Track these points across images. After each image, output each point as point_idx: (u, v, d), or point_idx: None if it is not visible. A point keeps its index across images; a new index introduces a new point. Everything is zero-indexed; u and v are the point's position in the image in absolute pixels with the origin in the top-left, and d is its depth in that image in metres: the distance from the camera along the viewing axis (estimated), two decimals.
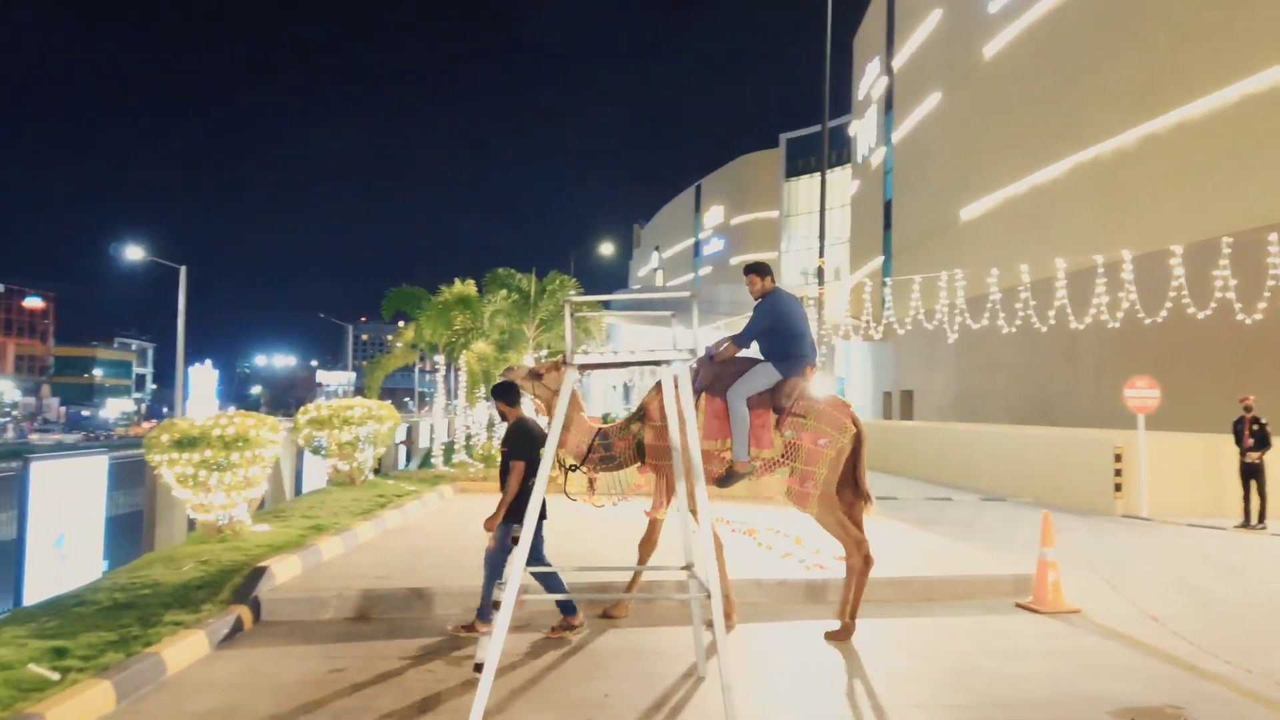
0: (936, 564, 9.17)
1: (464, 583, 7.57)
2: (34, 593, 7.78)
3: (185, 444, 9.00)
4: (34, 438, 76.96)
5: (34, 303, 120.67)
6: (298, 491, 15.04)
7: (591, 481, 6.90)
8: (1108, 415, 19.65)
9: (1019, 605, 7.95)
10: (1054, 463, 16.93)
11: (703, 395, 6.57)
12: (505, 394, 6.70)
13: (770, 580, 8.09)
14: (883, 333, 19.81)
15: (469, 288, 18.81)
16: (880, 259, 42.41)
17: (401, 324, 26.21)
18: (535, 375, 6.50)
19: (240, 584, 7.26)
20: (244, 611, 6.82)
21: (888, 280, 18.84)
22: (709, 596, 5.00)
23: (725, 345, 6.67)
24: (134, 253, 29.41)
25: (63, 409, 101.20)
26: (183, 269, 28.97)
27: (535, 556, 6.34)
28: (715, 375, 6.56)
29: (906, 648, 6.67)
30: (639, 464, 6.83)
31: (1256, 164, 18.43)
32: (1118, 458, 14.61)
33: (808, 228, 65.93)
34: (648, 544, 6.95)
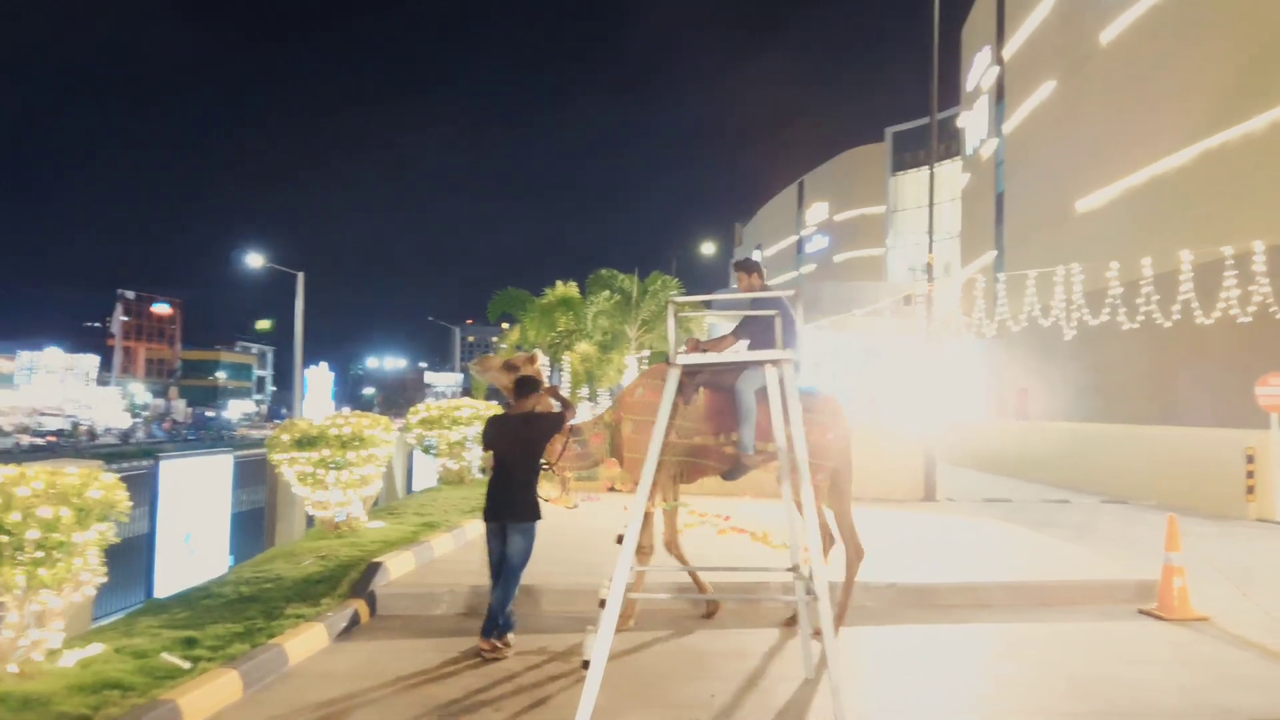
0: (1053, 568, 8.88)
1: (572, 579, 7.66)
2: (164, 586, 8.13)
3: (304, 443, 9.35)
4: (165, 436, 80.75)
5: (162, 309, 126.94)
6: (409, 490, 15.46)
7: (565, 481, 6.93)
8: (1238, 414, 18.67)
9: (1142, 612, 7.63)
10: (1180, 464, 16.17)
11: (702, 390, 6.51)
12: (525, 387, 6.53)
13: (879, 583, 7.95)
14: (996, 330, 19.22)
15: (571, 289, 19.03)
16: (992, 253, 41.25)
17: (506, 325, 26.67)
18: (510, 368, 6.71)
19: (357, 579, 7.50)
20: (360, 605, 7.05)
21: (1000, 276, 18.27)
22: (816, 599, 4.94)
23: (724, 339, 6.56)
24: (254, 260, 30.67)
25: (190, 410, 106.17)
26: (300, 275, 30.06)
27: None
28: (716, 370, 6.38)
29: (1021, 653, 6.47)
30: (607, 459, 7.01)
31: None
32: (1250, 459, 13.88)
33: (915, 223, 64.61)
34: (644, 542, 6.69)
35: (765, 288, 6.74)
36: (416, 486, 15.73)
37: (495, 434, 6.36)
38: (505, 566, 6.21)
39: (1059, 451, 20.96)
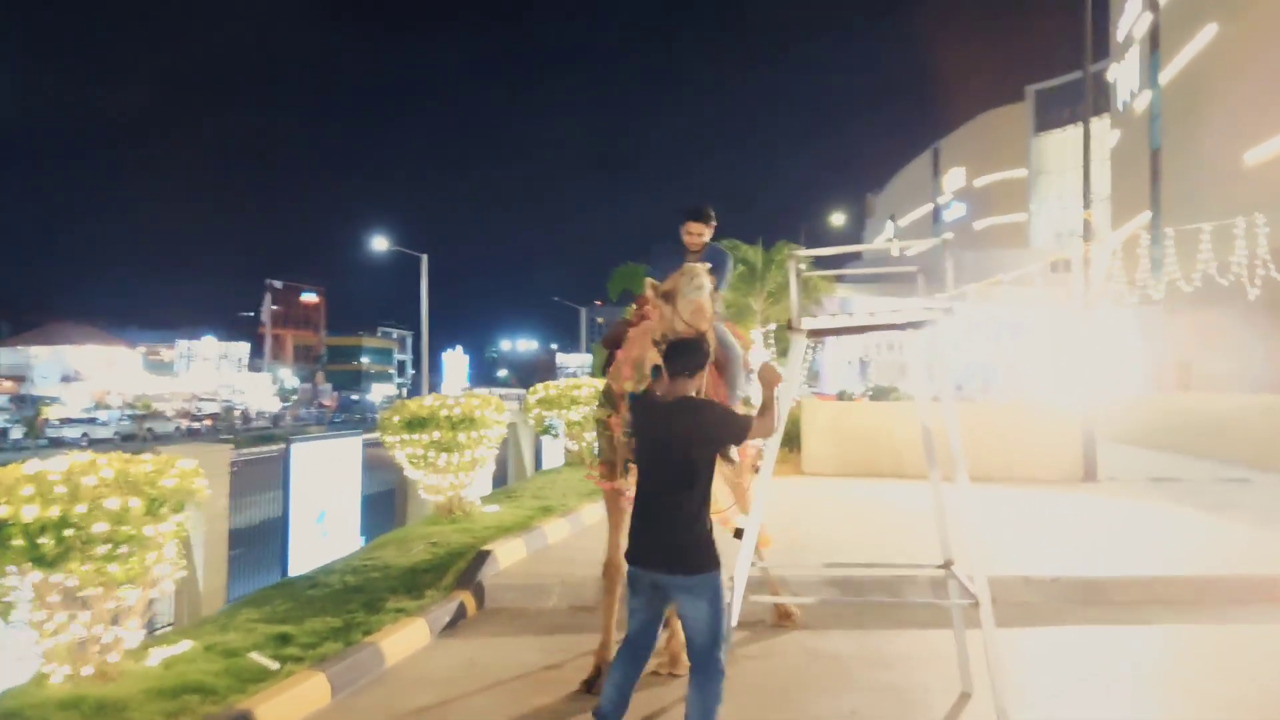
0: (1241, 559, 7.73)
1: None
2: (298, 567, 8.11)
3: (415, 425, 8.99)
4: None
5: (309, 298, 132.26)
6: (539, 469, 15.14)
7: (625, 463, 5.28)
8: None
9: None
10: None
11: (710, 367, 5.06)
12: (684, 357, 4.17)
13: (1041, 577, 7.02)
14: (1165, 292, 17.57)
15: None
16: (1147, 215, 38.48)
17: (633, 306, 26.05)
18: (666, 297, 4.51)
19: (464, 569, 7.05)
20: (467, 598, 6.59)
21: (1169, 231, 16.58)
22: (975, 604, 4.16)
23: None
24: (379, 243, 31.18)
25: (336, 394, 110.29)
26: (424, 257, 30.47)
27: None
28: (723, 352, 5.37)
29: (1216, 662, 5.50)
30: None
31: None
32: None
33: (1060, 187, 61.17)
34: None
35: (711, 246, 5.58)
36: (546, 466, 15.40)
37: (641, 422, 4.14)
38: (686, 647, 4.06)
39: (1233, 425, 19.08)
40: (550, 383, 14.00)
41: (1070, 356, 15.20)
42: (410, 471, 9.27)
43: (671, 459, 3.87)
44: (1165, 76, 36.89)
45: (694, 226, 5.57)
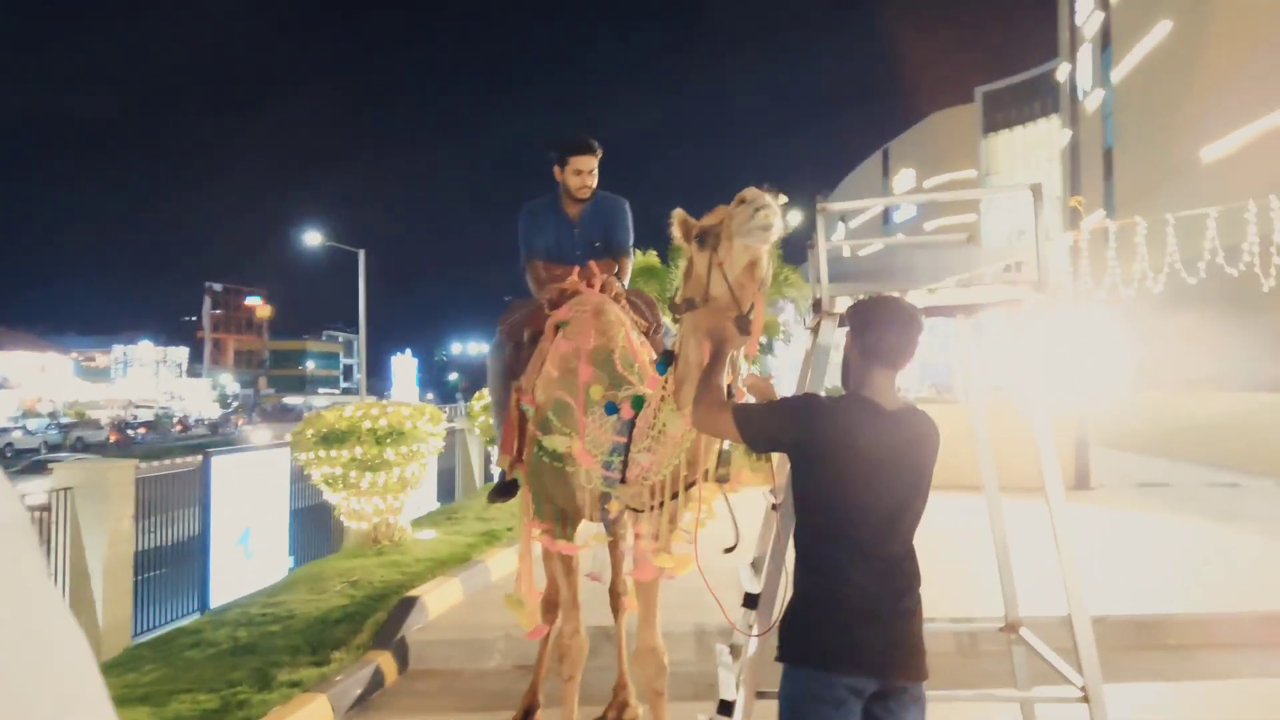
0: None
1: (690, 619, 5.63)
2: (221, 593, 7.52)
3: (332, 440, 7.66)
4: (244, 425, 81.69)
5: (253, 301, 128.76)
6: (488, 480, 13.93)
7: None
8: None
9: None
10: None
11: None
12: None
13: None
14: (1135, 290, 16.80)
15: (652, 258, 17.18)
16: (1100, 214, 38.14)
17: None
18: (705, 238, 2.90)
19: (384, 621, 5.76)
20: (385, 660, 5.30)
21: (1142, 222, 15.76)
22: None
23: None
24: (312, 238, 29.60)
25: (279, 399, 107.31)
26: (361, 252, 28.92)
27: None
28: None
29: None
30: None
31: None
32: None
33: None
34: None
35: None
36: (497, 476, 14.13)
37: (844, 434, 2.47)
38: None
39: (1213, 426, 18.42)
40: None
41: (1044, 358, 14.28)
42: (329, 495, 7.95)
43: (901, 495, 2.45)
44: (1118, 74, 36.66)
45: (581, 162, 4.16)
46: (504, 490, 4.22)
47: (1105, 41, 39.01)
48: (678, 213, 2.96)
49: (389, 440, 7.69)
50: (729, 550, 3.08)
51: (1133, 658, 5.54)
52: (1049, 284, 3.36)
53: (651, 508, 3.27)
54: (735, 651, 3.55)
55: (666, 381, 3.11)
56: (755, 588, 3.17)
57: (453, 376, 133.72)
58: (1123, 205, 35.76)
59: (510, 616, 4.19)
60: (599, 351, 3.64)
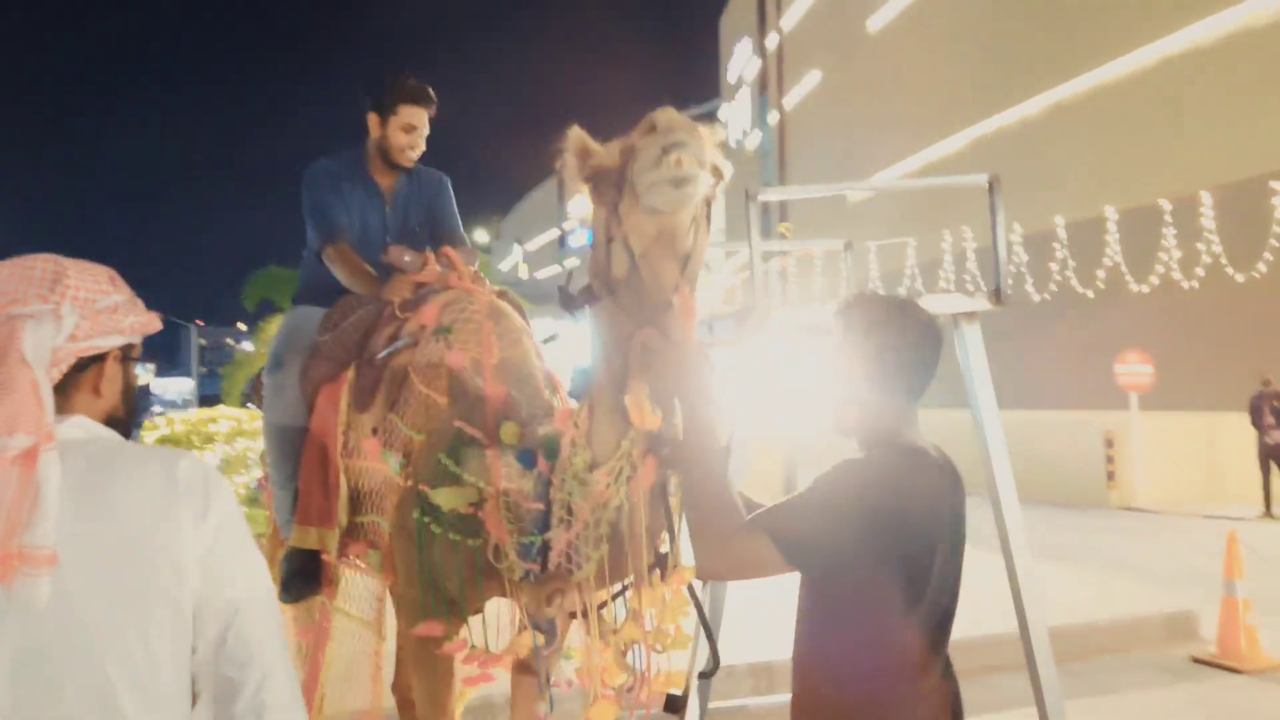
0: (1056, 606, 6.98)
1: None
2: None
3: None
4: None
5: None
6: None
7: None
8: (1091, 395, 17.91)
9: (1198, 660, 5.91)
10: (1036, 451, 15.39)
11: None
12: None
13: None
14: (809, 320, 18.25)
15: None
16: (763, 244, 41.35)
17: (260, 323, 22.84)
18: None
19: None
20: None
21: (815, 247, 17.20)
22: None
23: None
24: None
25: None
26: None
27: None
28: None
29: None
30: None
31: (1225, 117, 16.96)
32: (1109, 443, 13.31)
33: None
34: None
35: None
36: None
37: (957, 510, 1.88)
38: None
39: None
40: (175, 415, 11.34)
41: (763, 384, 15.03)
42: None
43: (955, 582, 1.87)
44: (775, 118, 39.87)
45: (414, 115, 3.25)
46: (305, 579, 3.05)
47: (763, 87, 42.25)
48: (576, 134, 2.05)
49: None
50: (706, 675, 2.17)
51: None
52: (1009, 295, 3.28)
53: (581, 613, 2.24)
54: None
55: (577, 416, 2.21)
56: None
57: None
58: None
59: None
60: (509, 368, 2.66)
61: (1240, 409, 12.63)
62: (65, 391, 1.27)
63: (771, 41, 40.44)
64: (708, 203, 2.01)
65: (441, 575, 2.53)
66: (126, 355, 1.40)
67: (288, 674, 1.29)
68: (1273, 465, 12.24)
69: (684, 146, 1.78)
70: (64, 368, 1.27)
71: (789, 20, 38.11)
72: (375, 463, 2.70)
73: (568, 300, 2.16)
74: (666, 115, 1.84)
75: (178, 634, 1.22)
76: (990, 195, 3.27)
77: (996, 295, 3.27)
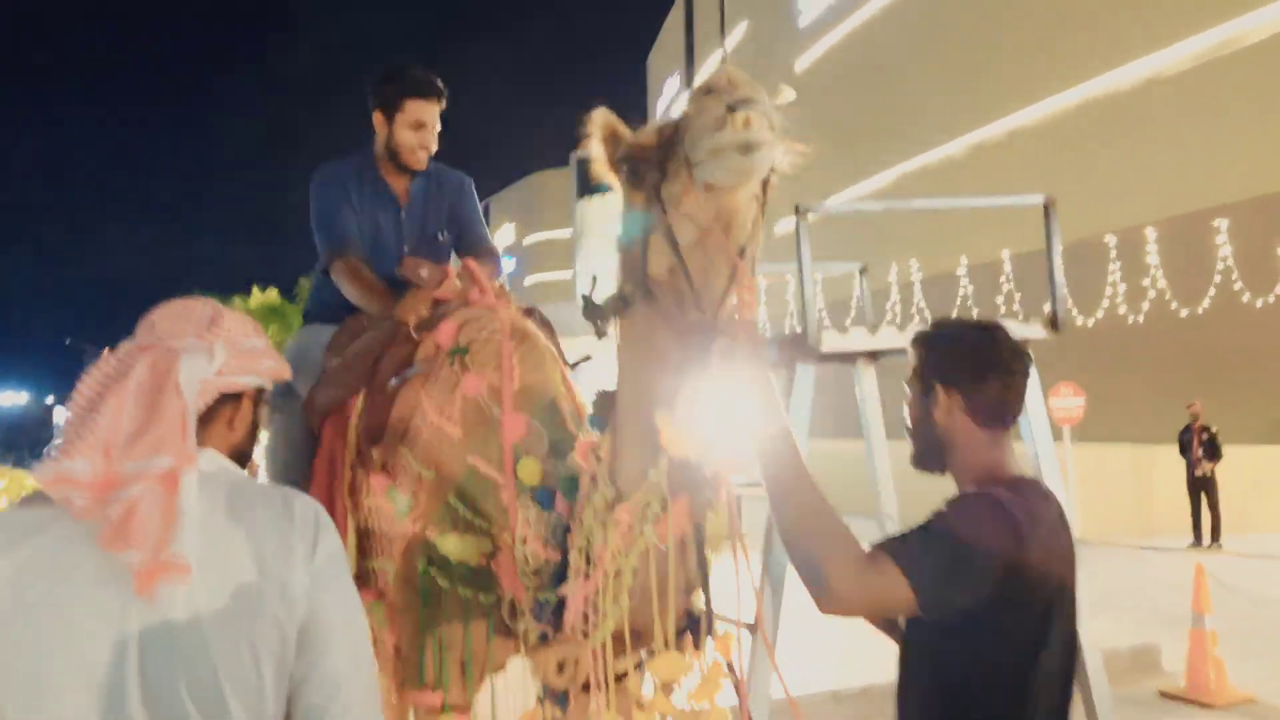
0: None
1: None
2: None
3: None
4: None
5: None
6: None
7: None
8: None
9: (1167, 695, 5.79)
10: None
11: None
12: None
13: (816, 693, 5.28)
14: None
15: (272, 296, 15.87)
16: None
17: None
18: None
19: None
20: None
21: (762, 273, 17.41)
22: None
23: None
24: None
25: None
26: None
27: None
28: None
29: None
30: None
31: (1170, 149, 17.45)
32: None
33: (601, 248, 65.06)
34: None
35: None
36: None
37: (1070, 550, 1.73)
38: None
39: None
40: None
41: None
42: None
43: (1068, 637, 1.69)
44: None
45: (424, 110, 2.89)
46: None
47: None
48: (602, 114, 1.84)
49: None
50: None
51: None
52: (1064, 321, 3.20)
53: (600, 684, 1.89)
54: None
55: (599, 450, 1.94)
56: None
57: None
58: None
59: None
60: (532, 395, 2.32)
61: (1171, 441, 12.84)
62: (205, 422, 1.40)
63: (700, 79, 41.07)
64: (765, 187, 1.75)
65: (446, 636, 2.21)
66: (258, 397, 1.53)
67: (372, 709, 1.39)
68: (1202, 496, 12.27)
69: (753, 104, 1.51)
70: (209, 399, 1.40)
71: (716, 58, 38.76)
72: (382, 501, 2.39)
73: (592, 310, 1.93)
74: (728, 73, 1.55)
75: (282, 658, 1.32)
76: (1046, 217, 3.23)
77: (1053, 322, 3.13)
